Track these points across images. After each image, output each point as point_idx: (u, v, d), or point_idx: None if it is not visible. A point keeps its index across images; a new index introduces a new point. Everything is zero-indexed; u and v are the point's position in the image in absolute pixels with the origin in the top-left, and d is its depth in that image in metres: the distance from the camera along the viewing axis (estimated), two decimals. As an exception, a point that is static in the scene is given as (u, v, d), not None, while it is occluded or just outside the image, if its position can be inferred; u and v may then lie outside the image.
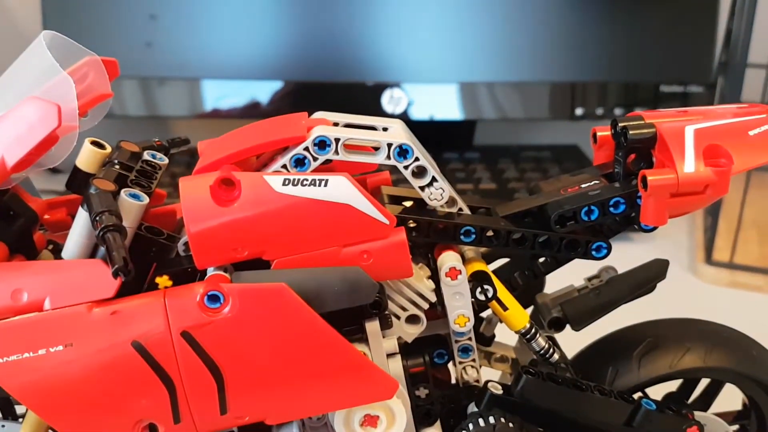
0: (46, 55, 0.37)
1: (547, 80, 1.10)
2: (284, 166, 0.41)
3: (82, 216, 0.38)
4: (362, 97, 1.08)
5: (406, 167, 0.41)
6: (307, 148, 0.41)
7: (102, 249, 0.39)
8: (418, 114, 1.09)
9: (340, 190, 0.38)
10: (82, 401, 0.37)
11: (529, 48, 1.08)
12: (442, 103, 1.10)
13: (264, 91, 1.07)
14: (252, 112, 1.07)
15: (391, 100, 1.09)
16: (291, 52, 1.07)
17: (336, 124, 0.43)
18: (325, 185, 0.38)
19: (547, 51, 1.09)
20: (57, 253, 0.45)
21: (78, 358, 0.37)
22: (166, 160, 0.45)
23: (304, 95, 1.08)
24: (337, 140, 0.41)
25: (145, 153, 0.44)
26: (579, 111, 1.13)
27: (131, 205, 0.39)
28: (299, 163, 0.41)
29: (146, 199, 0.39)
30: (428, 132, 1.14)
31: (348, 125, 0.43)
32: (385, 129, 0.43)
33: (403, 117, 1.08)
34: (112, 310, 0.37)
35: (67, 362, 0.37)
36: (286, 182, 0.38)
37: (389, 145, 0.41)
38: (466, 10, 1.07)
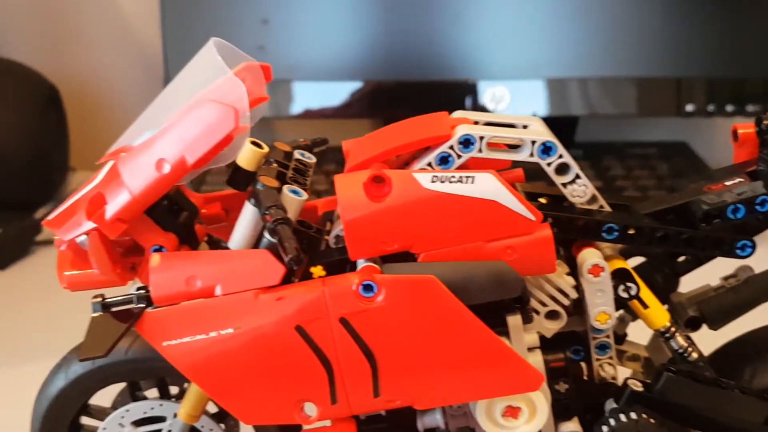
0: (216, 60, 0.41)
1: (654, 76, 1.07)
2: (429, 164, 0.43)
3: (249, 209, 0.42)
4: (462, 95, 1.10)
5: (549, 164, 0.42)
6: (452, 147, 0.42)
7: (264, 240, 0.42)
8: (518, 111, 1.09)
9: (487, 186, 0.40)
10: (249, 380, 0.41)
11: (636, 43, 1.06)
12: (542, 100, 1.09)
13: (366, 90, 1.10)
14: (351, 112, 1.10)
15: (493, 98, 1.09)
16: (393, 51, 1.09)
17: (476, 123, 0.44)
18: (472, 182, 0.40)
19: (654, 46, 1.06)
20: (212, 244, 0.49)
21: (246, 340, 0.40)
22: (314, 159, 0.48)
23: (407, 94, 1.10)
24: (481, 138, 0.42)
25: (296, 152, 0.47)
26: (689, 107, 1.10)
27: (292, 200, 0.42)
28: (443, 161, 0.43)
29: (305, 195, 0.42)
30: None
31: (488, 123, 0.44)
32: (524, 126, 0.44)
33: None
34: (278, 296, 0.40)
35: (236, 344, 0.40)
36: (435, 179, 0.40)
37: (533, 143, 0.42)
38: (570, 4, 1.06)
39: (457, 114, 0.45)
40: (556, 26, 1.06)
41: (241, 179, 0.45)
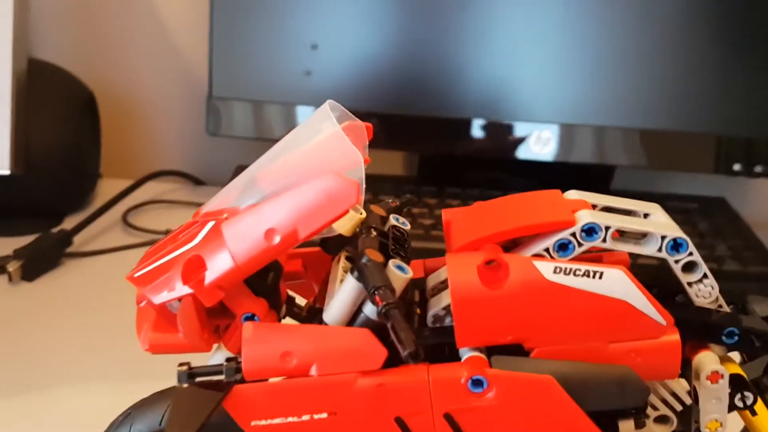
0: (335, 128, 0.38)
1: (701, 131, 1.06)
2: (546, 250, 0.40)
3: (350, 284, 0.39)
4: (506, 136, 1.08)
5: (677, 261, 0.39)
6: (573, 234, 0.40)
7: (362, 315, 0.39)
8: (550, 156, 1.06)
9: (618, 285, 0.37)
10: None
11: (679, 96, 1.04)
12: (578, 146, 1.07)
13: (403, 122, 1.08)
14: (386, 142, 1.07)
15: (538, 141, 1.07)
16: (437, 85, 1.07)
17: (594, 206, 0.42)
18: (600, 278, 0.37)
19: (698, 101, 1.04)
20: (289, 303, 0.46)
21: (341, 427, 0.37)
22: (409, 225, 0.45)
23: (444, 129, 1.07)
24: (607, 228, 0.39)
25: (391, 217, 0.44)
26: (737, 167, 1.08)
27: (398, 277, 0.39)
28: (563, 247, 0.40)
29: (410, 273, 0.39)
30: (562, 174, 1.11)
31: (606, 208, 0.42)
32: (645, 215, 0.42)
33: (546, 159, 1.07)
34: (378, 383, 0.37)
35: (330, 430, 0.37)
36: (558, 270, 0.38)
37: (663, 237, 0.39)
38: (618, 52, 1.04)
39: (572, 194, 0.43)
40: (597, 74, 1.04)
41: (335, 244, 0.43)
